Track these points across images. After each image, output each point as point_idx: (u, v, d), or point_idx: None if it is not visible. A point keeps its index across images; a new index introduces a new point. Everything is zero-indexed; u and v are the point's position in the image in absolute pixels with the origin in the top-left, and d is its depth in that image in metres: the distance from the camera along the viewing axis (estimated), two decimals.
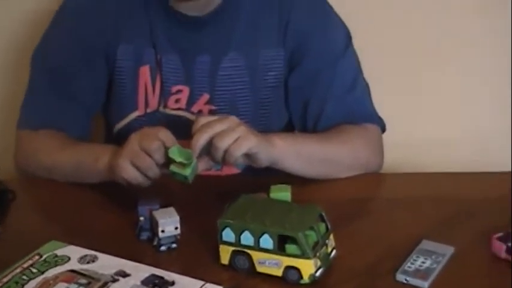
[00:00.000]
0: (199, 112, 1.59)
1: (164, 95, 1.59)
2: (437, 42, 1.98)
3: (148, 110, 1.60)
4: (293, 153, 1.42)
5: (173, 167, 1.26)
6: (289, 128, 1.68)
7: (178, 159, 1.25)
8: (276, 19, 1.57)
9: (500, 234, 1.21)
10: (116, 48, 1.57)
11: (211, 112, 1.58)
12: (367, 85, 1.62)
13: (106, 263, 1.17)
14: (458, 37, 1.98)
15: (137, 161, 1.28)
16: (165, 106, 1.59)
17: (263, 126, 1.54)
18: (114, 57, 1.57)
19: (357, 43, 1.63)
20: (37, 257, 1.18)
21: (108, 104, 1.63)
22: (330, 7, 1.62)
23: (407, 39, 1.96)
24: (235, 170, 1.56)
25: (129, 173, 1.30)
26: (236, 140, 1.28)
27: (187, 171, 1.25)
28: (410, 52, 1.96)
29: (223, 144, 1.27)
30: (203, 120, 1.31)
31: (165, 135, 1.28)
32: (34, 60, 1.60)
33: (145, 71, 1.58)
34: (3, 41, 1.89)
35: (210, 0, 1.54)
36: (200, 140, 1.27)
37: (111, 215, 1.36)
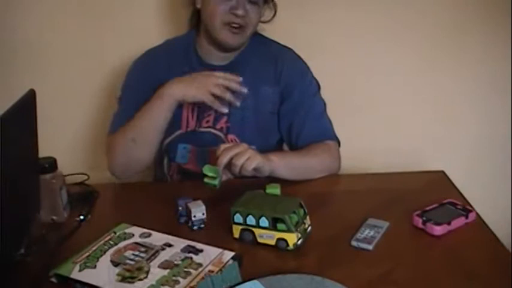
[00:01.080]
0: (221, 128, 1.57)
1: (199, 118, 1.58)
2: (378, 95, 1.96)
3: (189, 129, 1.59)
4: (284, 165, 1.43)
5: (206, 179, 1.30)
6: (280, 142, 1.66)
7: (210, 174, 1.29)
8: (272, 69, 1.59)
9: (418, 212, 1.25)
10: None
11: (228, 127, 1.58)
12: (329, 118, 1.61)
13: (157, 238, 1.18)
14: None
15: (215, 89, 1.40)
16: (200, 126, 1.58)
17: (263, 139, 1.57)
18: None
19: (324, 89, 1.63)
20: (113, 234, 1.21)
21: None
22: (307, 66, 1.62)
23: (356, 92, 1.95)
24: None
25: (209, 97, 1.40)
26: (248, 158, 1.31)
27: (216, 182, 1.29)
28: (360, 97, 1.95)
29: (239, 162, 1.30)
30: (224, 146, 1.34)
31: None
32: (119, 98, 1.61)
33: (187, 104, 1.56)
34: (100, 85, 1.90)
35: (231, 55, 1.58)
36: (224, 160, 1.30)
37: (161, 206, 1.36)
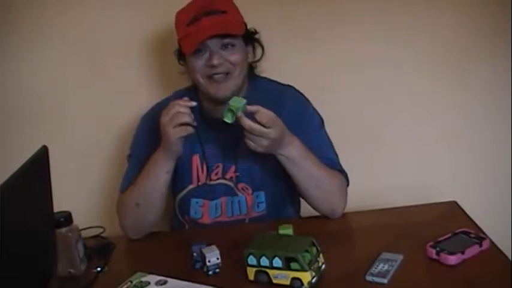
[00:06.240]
0: (231, 178, 1.55)
1: (209, 171, 1.57)
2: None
3: (200, 183, 1.57)
4: (299, 156, 1.43)
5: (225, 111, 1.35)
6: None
7: (233, 104, 1.34)
8: (273, 111, 1.47)
9: (431, 243, 1.24)
10: None
11: (237, 176, 1.55)
12: (336, 153, 1.57)
13: (173, 285, 1.19)
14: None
15: (174, 121, 1.36)
16: (210, 179, 1.57)
17: (273, 183, 1.54)
18: None
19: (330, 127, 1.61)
20: (129, 283, 1.21)
21: (173, 182, 1.57)
22: (309, 103, 1.60)
23: (364, 126, 1.94)
24: (255, 214, 1.56)
25: (177, 131, 1.36)
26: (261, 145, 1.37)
27: (229, 116, 1.35)
28: (367, 131, 1.94)
29: (252, 144, 1.38)
30: (255, 121, 1.36)
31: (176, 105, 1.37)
32: (128, 156, 1.61)
33: (196, 158, 1.56)
34: (113, 138, 1.93)
35: None
36: (250, 125, 1.35)
37: (176, 253, 1.36)
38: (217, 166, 1.57)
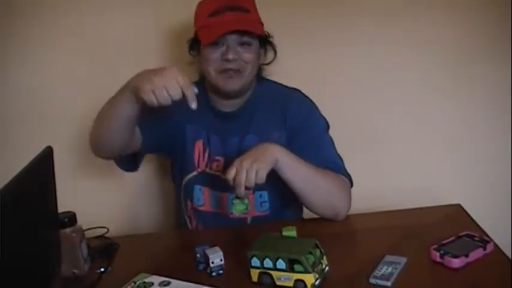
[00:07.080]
0: None
1: (210, 161, 1.60)
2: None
3: (199, 170, 1.60)
4: (289, 162, 1.39)
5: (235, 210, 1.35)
6: None
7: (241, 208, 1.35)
8: (280, 113, 1.57)
9: (435, 246, 1.25)
10: (185, 126, 1.59)
11: None
12: (340, 157, 1.56)
13: (177, 285, 1.19)
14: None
15: (157, 93, 1.23)
16: (210, 168, 1.60)
17: (275, 183, 1.50)
18: (184, 132, 1.60)
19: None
20: (133, 284, 1.21)
21: (176, 165, 1.64)
22: (315, 106, 1.60)
23: (366, 130, 1.96)
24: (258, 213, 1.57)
25: (149, 97, 1.24)
26: (256, 172, 1.32)
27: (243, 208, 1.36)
28: (370, 135, 1.96)
29: (252, 183, 1.32)
30: (230, 176, 1.32)
31: (182, 81, 1.24)
32: None
33: (199, 143, 1.59)
34: None
35: (238, 101, 1.58)
36: (242, 190, 1.31)
37: (179, 254, 1.37)
38: (218, 160, 1.60)
